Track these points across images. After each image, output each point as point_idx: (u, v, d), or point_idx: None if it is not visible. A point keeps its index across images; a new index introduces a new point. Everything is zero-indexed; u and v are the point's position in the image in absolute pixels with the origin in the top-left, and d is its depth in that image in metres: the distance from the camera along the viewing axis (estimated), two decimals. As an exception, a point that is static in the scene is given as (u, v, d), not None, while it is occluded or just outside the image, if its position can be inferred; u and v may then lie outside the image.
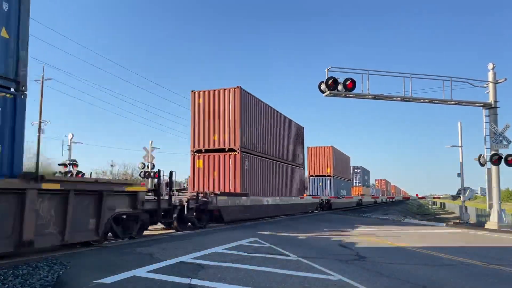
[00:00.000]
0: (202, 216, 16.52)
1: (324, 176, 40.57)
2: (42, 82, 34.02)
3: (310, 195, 35.23)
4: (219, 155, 20.58)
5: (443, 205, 77.04)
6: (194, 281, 6.59)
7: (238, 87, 20.53)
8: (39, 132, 32.78)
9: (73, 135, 31.69)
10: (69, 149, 30.90)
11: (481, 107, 20.06)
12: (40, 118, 33.16)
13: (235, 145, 20.33)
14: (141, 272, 7.27)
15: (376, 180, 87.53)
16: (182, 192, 17.88)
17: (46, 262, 7.88)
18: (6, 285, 6.19)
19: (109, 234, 11.50)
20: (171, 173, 15.02)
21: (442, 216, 46.44)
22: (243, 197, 20.00)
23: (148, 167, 27.23)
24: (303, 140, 32.57)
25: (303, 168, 32.39)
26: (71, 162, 25.98)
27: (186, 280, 6.64)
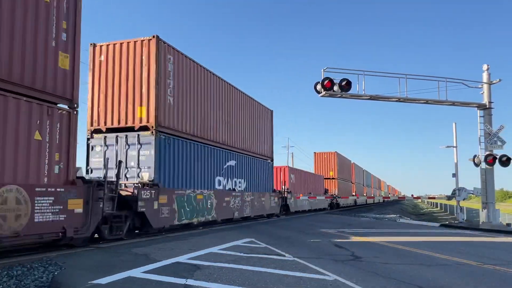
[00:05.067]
0: None
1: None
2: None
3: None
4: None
5: (436, 204, 77.47)
6: (190, 282, 6.58)
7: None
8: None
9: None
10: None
11: (476, 108, 20.18)
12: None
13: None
14: (137, 272, 7.25)
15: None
16: None
17: (41, 263, 7.84)
18: (1, 286, 6.16)
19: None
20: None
21: (436, 216, 46.69)
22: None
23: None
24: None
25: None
26: None
27: (182, 281, 6.63)
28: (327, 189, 42.63)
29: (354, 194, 53.34)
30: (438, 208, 72.30)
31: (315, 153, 45.81)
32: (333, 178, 44.26)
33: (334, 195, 42.78)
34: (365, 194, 62.62)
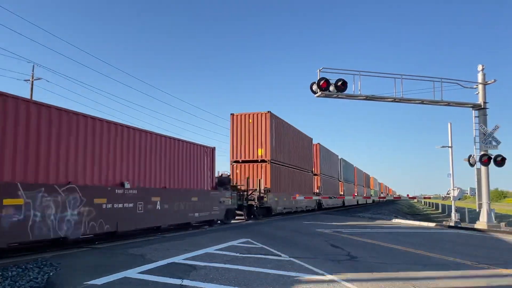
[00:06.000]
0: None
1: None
2: (32, 82, 33.69)
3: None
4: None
5: (432, 204, 77.86)
6: (186, 282, 6.58)
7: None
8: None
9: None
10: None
11: (471, 108, 20.26)
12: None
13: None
14: (133, 273, 7.24)
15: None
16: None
17: (36, 264, 7.81)
18: (-5, 287, 6.12)
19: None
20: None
21: (432, 216, 46.88)
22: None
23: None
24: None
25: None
26: None
27: (177, 281, 6.63)
28: (230, 180, 22.05)
29: (317, 191, 36.63)
30: (435, 209, 72.60)
31: (232, 115, 26.32)
32: (263, 161, 25.02)
33: (245, 191, 23.32)
34: (341, 193, 47.17)
